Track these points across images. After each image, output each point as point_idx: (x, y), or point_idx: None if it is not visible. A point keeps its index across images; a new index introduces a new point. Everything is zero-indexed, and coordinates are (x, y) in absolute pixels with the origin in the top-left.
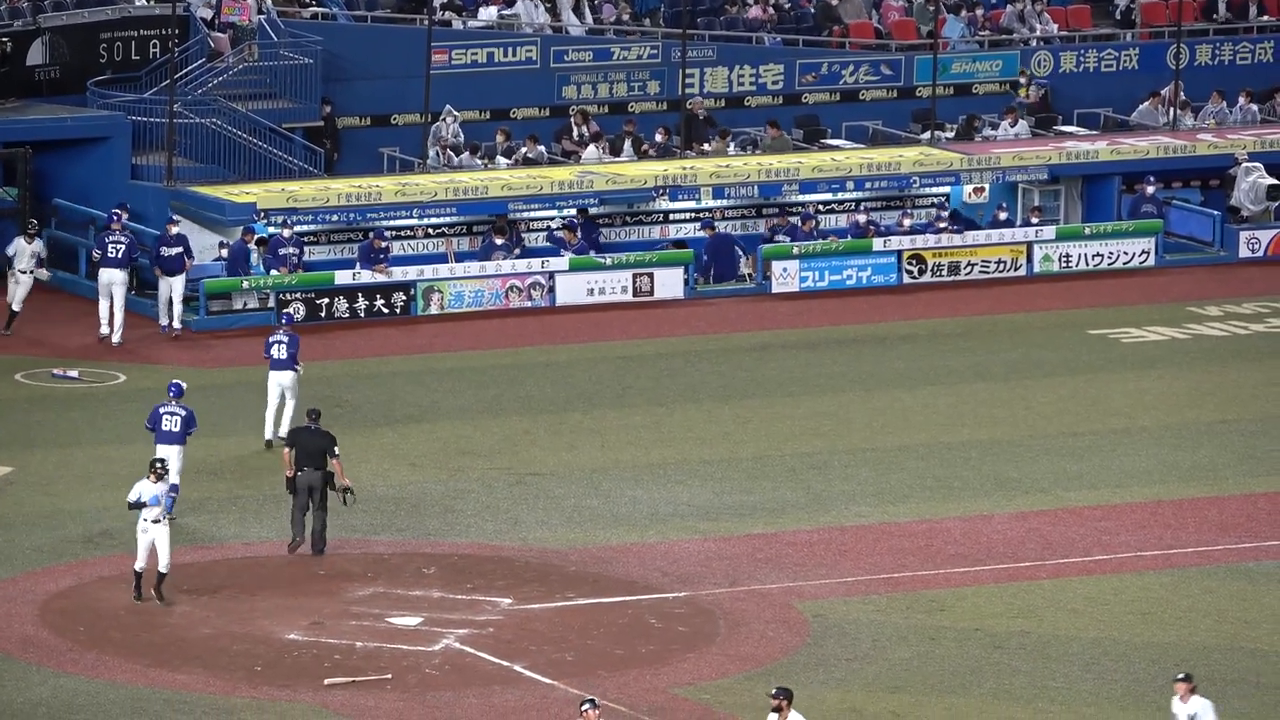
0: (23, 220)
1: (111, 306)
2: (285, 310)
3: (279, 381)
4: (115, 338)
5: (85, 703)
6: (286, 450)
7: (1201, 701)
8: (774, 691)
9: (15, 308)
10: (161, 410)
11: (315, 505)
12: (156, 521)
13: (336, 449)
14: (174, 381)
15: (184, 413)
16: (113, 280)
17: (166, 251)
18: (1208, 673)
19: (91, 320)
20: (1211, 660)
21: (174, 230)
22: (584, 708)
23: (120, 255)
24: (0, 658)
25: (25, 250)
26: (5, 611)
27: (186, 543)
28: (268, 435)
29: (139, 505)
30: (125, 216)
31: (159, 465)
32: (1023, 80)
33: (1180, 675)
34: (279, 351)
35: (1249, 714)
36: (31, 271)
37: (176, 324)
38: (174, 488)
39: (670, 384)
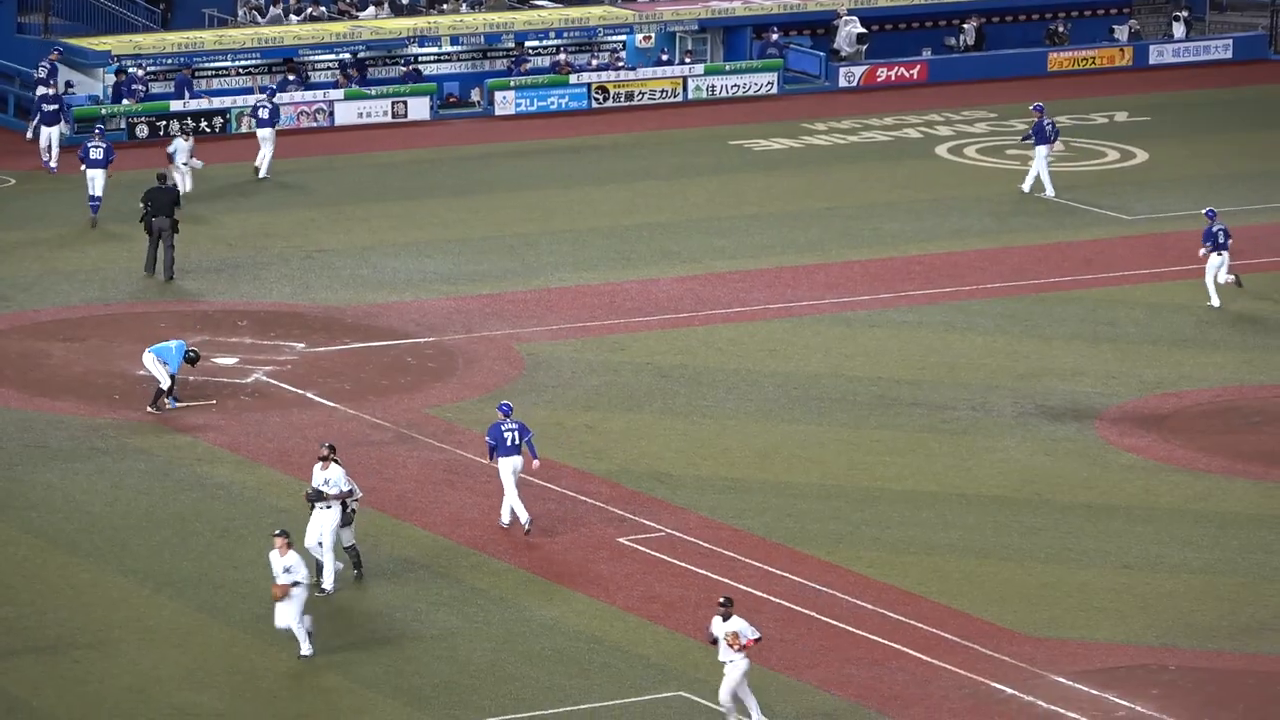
0: None
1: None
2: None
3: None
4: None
5: None
6: (142, 204)
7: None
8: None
9: (186, 190)
10: (89, 144)
11: (165, 244)
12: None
13: (181, 200)
14: (98, 125)
15: (105, 144)
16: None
17: (47, 107)
18: (818, 393)
19: None
20: (821, 384)
21: (50, 92)
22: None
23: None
24: None
25: (184, 147)
26: None
27: (61, 302)
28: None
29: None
30: (56, 58)
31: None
32: None
33: (278, 530)
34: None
35: (849, 422)
36: (188, 164)
37: (54, 163)
38: (95, 206)
39: (420, 183)
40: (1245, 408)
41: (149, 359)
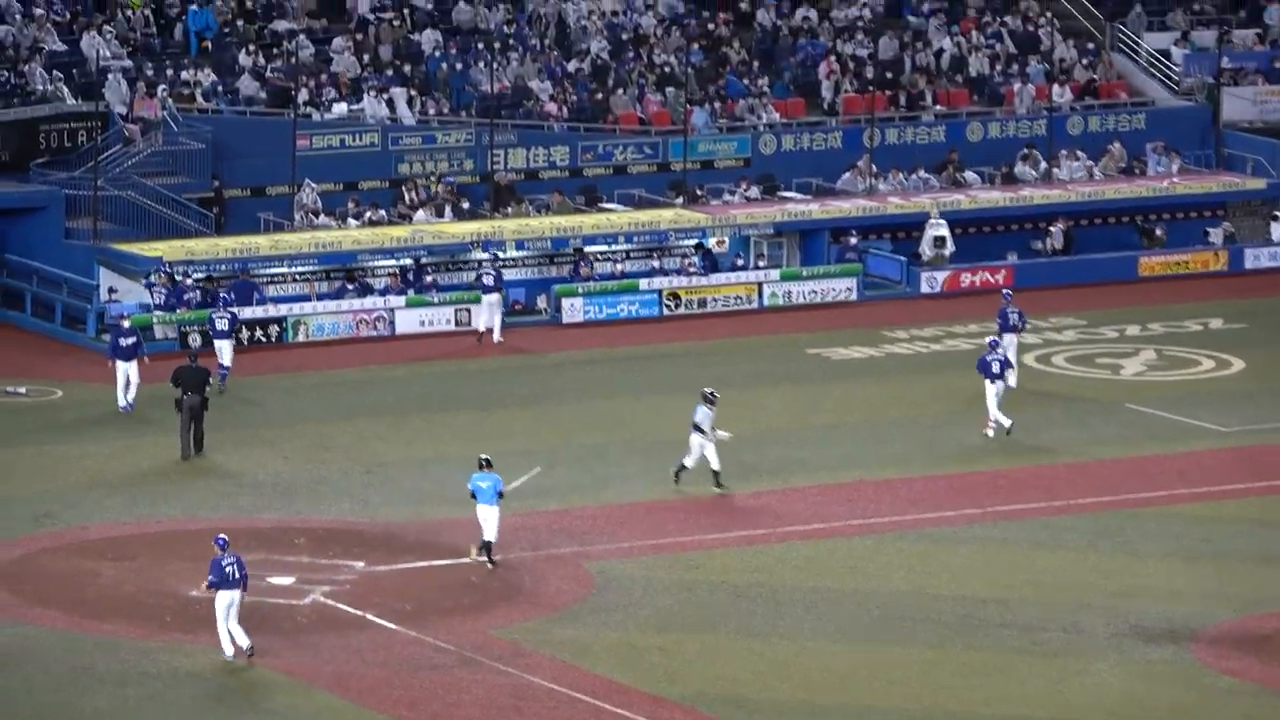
0: None
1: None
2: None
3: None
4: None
5: (33, 645)
6: (172, 384)
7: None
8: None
9: (689, 464)
10: (215, 316)
11: (196, 421)
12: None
13: (210, 379)
14: (223, 295)
15: (230, 315)
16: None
17: (124, 341)
18: (901, 613)
19: (34, 344)
20: (904, 603)
21: (126, 324)
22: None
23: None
24: None
25: (707, 415)
26: None
27: (111, 519)
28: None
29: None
30: (163, 278)
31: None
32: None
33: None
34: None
35: (933, 643)
36: (712, 436)
37: (133, 399)
38: (224, 374)
39: (486, 393)
40: None
41: (487, 512)
